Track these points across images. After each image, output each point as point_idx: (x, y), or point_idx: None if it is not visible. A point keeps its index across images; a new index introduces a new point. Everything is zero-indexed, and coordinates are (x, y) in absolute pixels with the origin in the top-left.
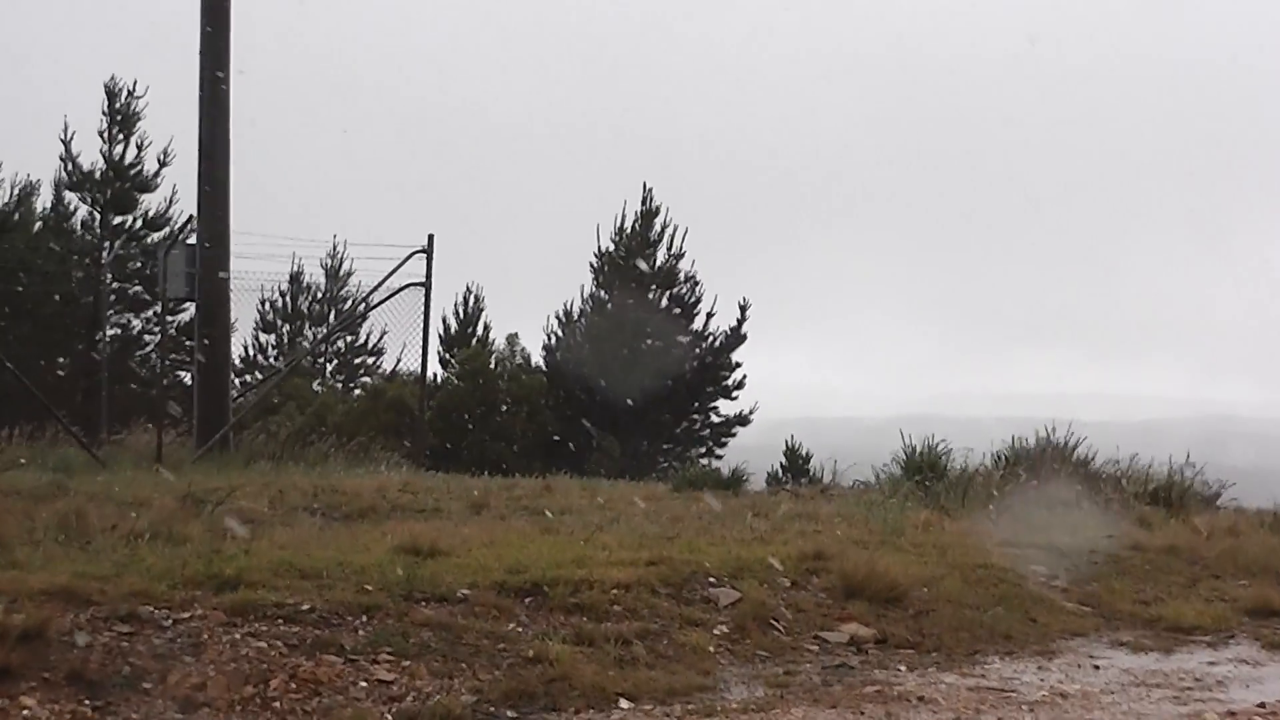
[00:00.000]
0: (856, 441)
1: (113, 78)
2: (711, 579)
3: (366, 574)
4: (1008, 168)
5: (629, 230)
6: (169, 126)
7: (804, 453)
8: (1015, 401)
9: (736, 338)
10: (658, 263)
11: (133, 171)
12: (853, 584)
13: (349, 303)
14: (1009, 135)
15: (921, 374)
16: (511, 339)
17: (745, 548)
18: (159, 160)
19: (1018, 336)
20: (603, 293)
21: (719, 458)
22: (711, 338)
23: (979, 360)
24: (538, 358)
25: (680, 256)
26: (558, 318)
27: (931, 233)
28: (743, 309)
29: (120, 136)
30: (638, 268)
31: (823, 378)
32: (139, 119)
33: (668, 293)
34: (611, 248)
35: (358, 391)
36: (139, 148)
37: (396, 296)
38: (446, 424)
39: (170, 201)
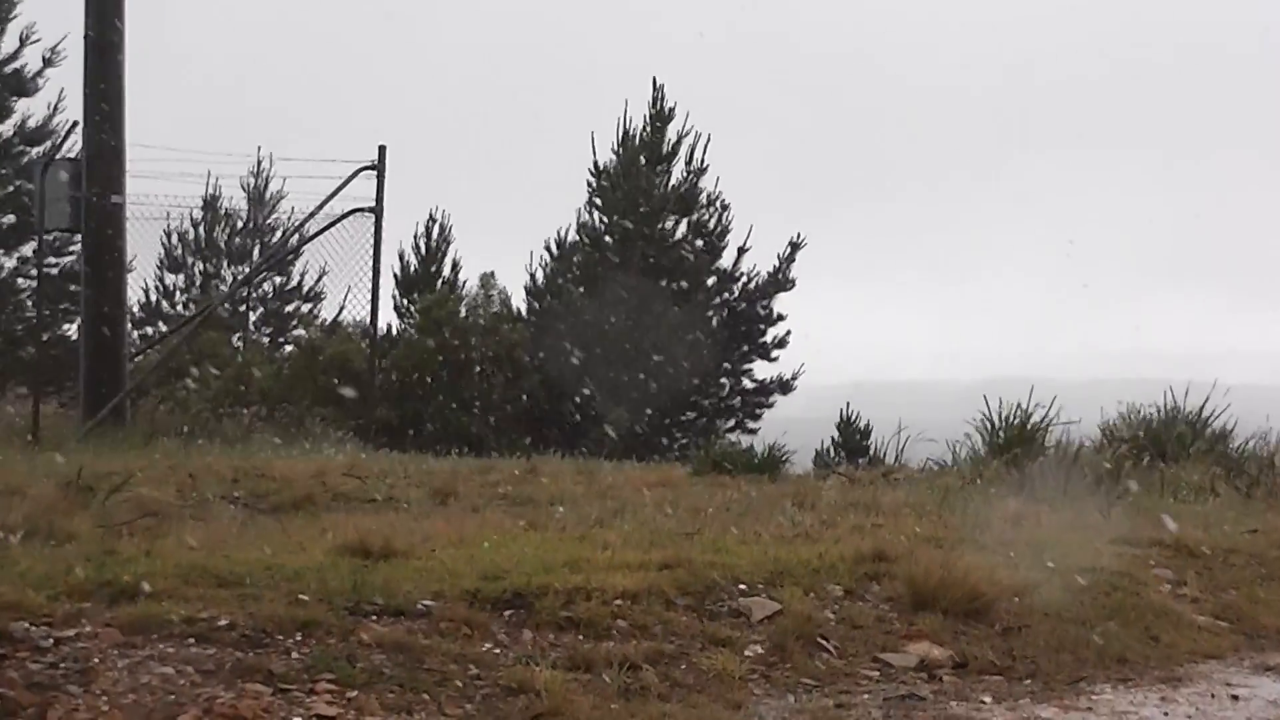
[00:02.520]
0: (933, 412)
1: None
2: (742, 586)
3: (302, 581)
4: (1130, 81)
5: (636, 139)
6: (61, 18)
7: (863, 425)
8: (1140, 360)
9: (780, 282)
10: (673, 181)
11: (7, 70)
12: (923, 592)
13: (278, 234)
14: (1125, 45)
15: (1023, 327)
16: (486, 280)
17: (785, 546)
18: (44, 59)
19: (1147, 281)
20: (602, 219)
21: (752, 433)
22: (744, 278)
23: (1096, 310)
24: (520, 303)
25: (702, 173)
26: (546, 252)
27: (1043, 159)
28: (794, 246)
29: None
30: (647, 186)
31: (893, 331)
32: (17, 3)
33: (686, 220)
34: (613, 161)
35: (290, 348)
36: (21, 40)
37: (339, 226)
38: (404, 389)
39: (53, 109)
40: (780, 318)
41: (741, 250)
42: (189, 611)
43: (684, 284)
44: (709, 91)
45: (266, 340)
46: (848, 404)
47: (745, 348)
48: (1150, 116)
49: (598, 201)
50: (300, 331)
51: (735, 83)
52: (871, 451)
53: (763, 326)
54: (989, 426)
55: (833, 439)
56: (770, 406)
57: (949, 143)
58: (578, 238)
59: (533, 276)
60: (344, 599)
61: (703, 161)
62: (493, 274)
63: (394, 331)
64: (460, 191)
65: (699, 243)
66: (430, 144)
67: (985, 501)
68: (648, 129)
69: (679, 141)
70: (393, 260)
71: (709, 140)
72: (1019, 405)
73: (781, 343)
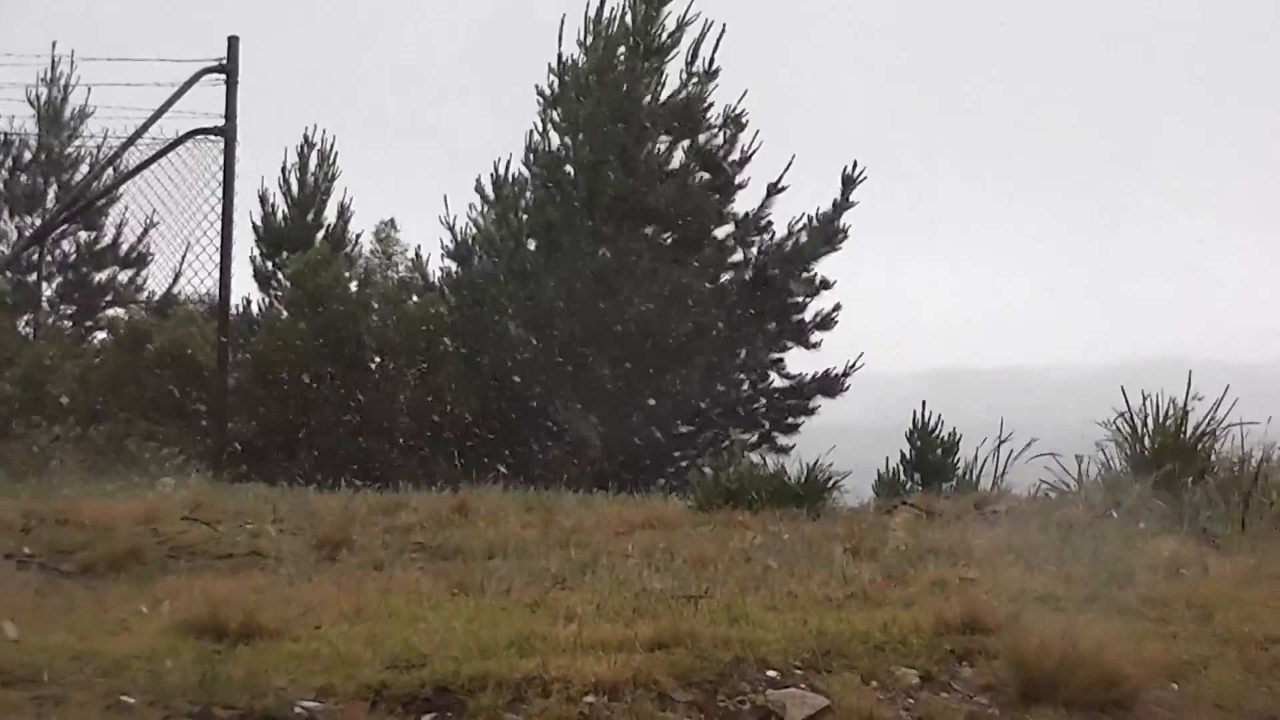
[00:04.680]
0: (1046, 411)
1: None
2: (771, 672)
3: (126, 675)
4: None
5: (615, 23)
6: None
7: (944, 435)
8: None
9: (827, 235)
10: (667, 86)
11: None
12: (1037, 677)
13: (84, 170)
14: None
15: (1173, 290)
16: (384, 231)
17: (834, 613)
18: None
19: None
20: (565, 142)
21: (784, 450)
22: (773, 230)
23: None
24: (438, 266)
25: (713, 76)
26: (478, 192)
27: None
28: (847, 182)
29: None
30: (630, 92)
31: (988, 299)
32: None
33: (688, 144)
34: (580, 55)
35: (103, 335)
36: None
37: (173, 154)
38: (270, 393)
39: None
40: (826, 285)
41: (773, 189)
42: None
43: (683, 235)
44: None
45: (69, 324)
46: (924, 403)
47: (775, 327)
48: None
49: (555, 117)
50: (117, 311)
51: None
52: (959, 471)
53: (801, 299)
54: (1129, 431)
55: (903, 454)
56: (811, 413)
57: (1069, 56)
58: (527, 170)
59: (452, 228)
60: (188, 700)
61: (712, 60)
62: (392, 222)
63: (256, 309)
64: (352, 109)
65: (705, 175)
66: (308, 29)
67: (1126, 542)
68: (633, 9)
69: (680, 29)
70: (254, 205)
71: (724, 31)
72: (1172, 400)
73: (827, 322)
